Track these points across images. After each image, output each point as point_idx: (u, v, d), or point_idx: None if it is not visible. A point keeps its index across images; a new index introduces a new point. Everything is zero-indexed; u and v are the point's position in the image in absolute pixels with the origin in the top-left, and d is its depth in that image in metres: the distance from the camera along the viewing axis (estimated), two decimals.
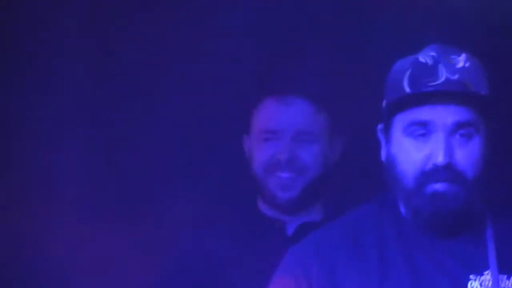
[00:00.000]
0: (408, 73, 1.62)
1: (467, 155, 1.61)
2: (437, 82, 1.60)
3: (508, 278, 1.65)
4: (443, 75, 1.60)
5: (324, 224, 1.85)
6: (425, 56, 1.64)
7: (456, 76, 1.60)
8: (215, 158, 2.46)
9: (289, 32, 2.44)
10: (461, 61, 1.63)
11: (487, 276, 1.64)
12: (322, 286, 1.66)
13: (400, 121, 1.62)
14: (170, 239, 2.22)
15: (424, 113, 1.60)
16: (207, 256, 2.08)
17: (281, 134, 2.08)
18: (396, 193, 1.66)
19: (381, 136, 1.71)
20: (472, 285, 1.64)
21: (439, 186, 1.59)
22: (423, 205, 1.61)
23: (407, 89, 1.60)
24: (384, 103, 1.69)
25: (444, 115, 1.60)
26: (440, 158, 1.57)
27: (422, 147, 1.60)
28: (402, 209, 1.67)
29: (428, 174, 1.59)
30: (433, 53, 1.64)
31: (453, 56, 1.64)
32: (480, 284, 1.64)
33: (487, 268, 1.65)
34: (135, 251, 2.34)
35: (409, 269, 1.65)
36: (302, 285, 1.66)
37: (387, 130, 1.67)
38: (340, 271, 1.66)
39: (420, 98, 1.59)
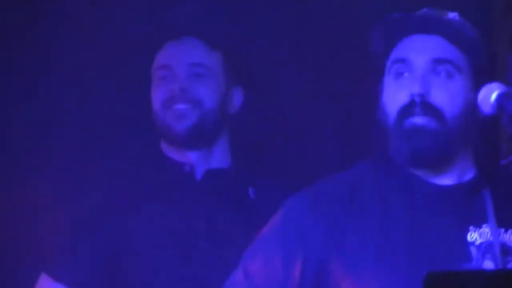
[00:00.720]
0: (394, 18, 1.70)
1: (445, 92, 1.62)
2: (417, 15, 1.66)
3: (506, 232, 1.67)
4: (424, 10, 1.67)
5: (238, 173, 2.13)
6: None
7: (438, 12, 1.66)
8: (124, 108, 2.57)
9: None
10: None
11: (485, 229, 1.66)
12: (319, 244, 1.68)
13: (387, 67, 1.69)
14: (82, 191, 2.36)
15: (403, 50, 1.66)
16: (119, 209, 2.15)
17: (175, 68, 2.17)
18: (387, 142, 1.69)
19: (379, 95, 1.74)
20: (472, 235, 1.67)
21: (416, 119, 1.62)
22: (403, 141, 1.63)
23: (393, 30, 1.69)
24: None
25: (422, 52, 1.65)
26: (415, 89, 1.59)
27: (402, 84, 1.64)
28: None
29: (406, 108, 1.62)
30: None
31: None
32: (480, 235, 1.67)
33: (485, 221, 1.67)
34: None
35: (409, 222, 1.68)
36: (295, 252, 1.69)
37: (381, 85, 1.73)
38: (339, 227, 1.68)
39: (400, 32, 1.66)
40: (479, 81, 1.68)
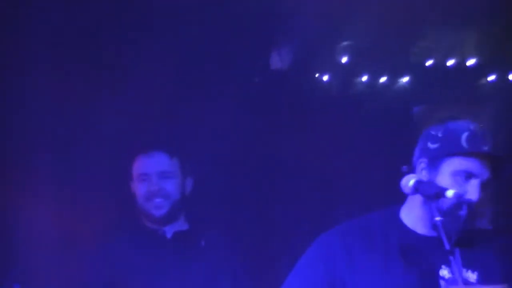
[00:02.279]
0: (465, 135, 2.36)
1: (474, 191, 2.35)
2: (485, 148, 2.33)
3: (467, 271, 2.38)
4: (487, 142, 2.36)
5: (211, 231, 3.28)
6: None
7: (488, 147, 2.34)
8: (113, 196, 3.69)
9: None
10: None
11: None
12: (343, 268, 2.40)
13: (450, 165, 2.34)
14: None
15: (471, 165, 2.34)
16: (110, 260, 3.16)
17: (150, 175, 3.25)
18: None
19: (425, 169, 2.39)
20: (443, 272, 2.33)
21: (463, 204, 2.31)
22: (451, 217, 2.32)
23: (465, 145, 2.34)
24: (435, 147, 2.40)
25: (482, 169, 2.34)
26: (474, 197, 2.29)
27: (460, 183, 2.32)
28: (406, 221, 2.43)
29: (456, 195, 2.27)
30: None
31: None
32: (448, 272, 2.34)
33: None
34: None
35: (403, 261, 2.37)
36: (327, 266, 2.41)
37: (434, 166, 2.37)
38: (357, 257, 2.37)
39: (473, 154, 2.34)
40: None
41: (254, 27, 3.87)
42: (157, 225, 3.29)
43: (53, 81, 3.65)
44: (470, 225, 2.49)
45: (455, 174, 2.39)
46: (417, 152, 2.52)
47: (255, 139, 4.02)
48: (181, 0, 3.67)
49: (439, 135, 2.47)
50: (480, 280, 2.51)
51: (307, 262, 2.57)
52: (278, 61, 3.75)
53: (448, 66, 4.57)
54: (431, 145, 2.45)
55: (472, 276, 2.53)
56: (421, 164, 2.44)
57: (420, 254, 2.46)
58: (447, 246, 2.29)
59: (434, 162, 2.44)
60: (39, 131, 3.73)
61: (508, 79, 4.66)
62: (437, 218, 2.33)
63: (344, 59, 4.42)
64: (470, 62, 4.65)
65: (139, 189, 3.25)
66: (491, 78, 4.69)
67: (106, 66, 3.88)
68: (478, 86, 4.46)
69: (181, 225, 3.40)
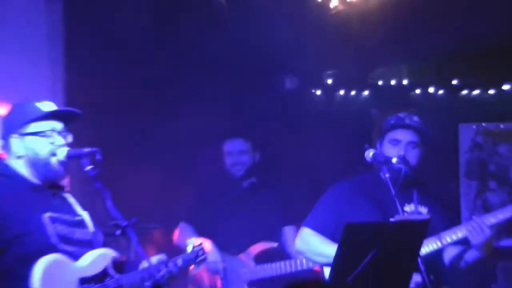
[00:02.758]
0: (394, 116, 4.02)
1: (412, 155, 3.94)
2: (404, 122, 3.97)
3: (421, 206, 3.97)
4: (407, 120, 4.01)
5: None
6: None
7: (414, 121, 4.00)
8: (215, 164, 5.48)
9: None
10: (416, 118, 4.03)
11: (412, 206, 3.99)
12: (346, 208, 3.92)
13: (388, 137, 3.95)
14: None
15: (398, 134, 3.97)
16: None
17: (233, 152, 5.22)
18: (380, 170, 3.83)
19: (377, 143, 4.00)
20: (406, 208, 3.91)
21: (401, 166, 3.89)
22: (395, 173, 3.84)
23: (393, 122, 3.98)
24: (379, 130, 3.99)
25: (406, 136, 3.96)
26: (402, 153, 3.91)
27: (396, 149, 3.92)
28: (382, 176, 3.81)
29: (398, 160, 3.90)
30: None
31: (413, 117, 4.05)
32: (410, 208, 3.92)
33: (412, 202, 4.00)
34: None
35: (380, 204, 3.88)
36: (336, 206, 3.96)
37: (381, 141, 3.97)
38: (355, 200, 3.93)
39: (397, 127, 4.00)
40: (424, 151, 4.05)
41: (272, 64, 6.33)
42: (238, 180, 5.40)
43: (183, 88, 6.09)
44: (410, 176, 4.06)
45: (390, 142, 4.09)
46: (374, 136, 4.38)
47: (287, 129, 6.39)
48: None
49: (384, 123, 4.24)
50: (429, 212, 4.19)
51: (322, 203, 4.25)
52: (288, 82, 6.52)
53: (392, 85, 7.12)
54: (382, 129, 4.22)
55: (423, 210, 4.19)
56: (377, 141, 4.20)
57: (390, 197, 3.98)
58: (393, 192, 3.85)
59: (381, 138, 4.19)
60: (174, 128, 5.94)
61: (429, 92, 7.09)
62: (386, 175, 3.94)
63: (329, 81, 7.04)
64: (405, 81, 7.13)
65: (228, 160, 5.40)
66: (418, 91, 7.13)
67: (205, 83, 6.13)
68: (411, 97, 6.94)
69: (252, 180, 5.48)
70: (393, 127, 4.30)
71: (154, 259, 3.83)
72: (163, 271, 3.79)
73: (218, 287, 5.45)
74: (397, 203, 3.99)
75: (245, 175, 5.44)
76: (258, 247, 5.34)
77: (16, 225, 3.76)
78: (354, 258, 3.82)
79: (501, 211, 4.27)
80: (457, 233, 4.17)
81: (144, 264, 3.80)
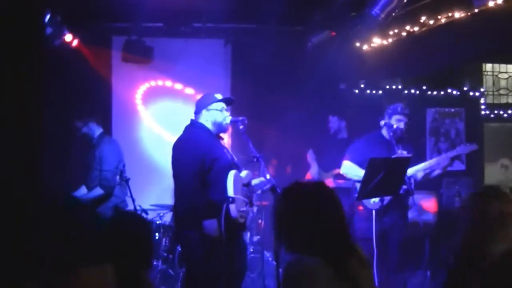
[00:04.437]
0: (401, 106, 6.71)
1: (403, 126, 6.75)
2: (404, 112, 6.71)
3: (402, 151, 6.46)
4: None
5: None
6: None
7: (406, 110, 6.72)
8: None
9: None
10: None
11: (400, 150, 6.47)
12: (366, 152, 6.44)
13: (395, 117, 6.65)
14: None
15: (399, 117, 6.70)
16: None
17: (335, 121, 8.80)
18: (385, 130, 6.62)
19: (387, 118, 6.63)
20: (398, 151, 6.41)
21: (399, 132, 6.65)
22: (394, 133, 6.68)
23: (399, 109, 6.69)
24: (390, 112, 6.67)
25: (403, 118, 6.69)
26: (401, 126, 6.71)
27: (400, 124, 6.71)
28: (386, 134, 6.57)
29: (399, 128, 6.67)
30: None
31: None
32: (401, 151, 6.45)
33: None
34: None
35: (385, 148, 6.57)
36: (361, 151, 6.62)
37: (390, 117, 6.62)
38: (372, 148, 6.55)
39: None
40: None
41: None
42: (333, 136, 8.39)
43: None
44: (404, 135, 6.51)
45: (396, 119, 6.49)
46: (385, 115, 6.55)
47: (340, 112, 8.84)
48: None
49: (391, 108, 6.58)
50: (407, 153, 6.32)
51: (355, 147, 6.61)
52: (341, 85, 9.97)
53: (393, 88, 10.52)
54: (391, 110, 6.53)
55: (405, 152, 6.36)
56: (386, 116, 6.48)
57: (390, 145, 6.39)
58: (393, 142, 6.38)
59: (389, 116, 6.49)
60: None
61: (411, 92, 10.29)
62: (391, 134, 6.37)
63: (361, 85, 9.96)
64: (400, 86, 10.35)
65: (332, 126, 8.71)
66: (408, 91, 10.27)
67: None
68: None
69: (342, 135, 8.26)
70: (398, 112, 6.63)
71: (268, 176, 5.46)
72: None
73: None
74: (395, 148, 6.40)
75: (334, 134, 8.55)
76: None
77: (215, 152, 5.46)
78: (372, 176, 5.77)
79: (452, 151, 6.60)
80: (432, 161, 6.65)
81: (266, 178, 5.48)
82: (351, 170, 6.64)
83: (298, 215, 2.90)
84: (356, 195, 6.10)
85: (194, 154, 5.28)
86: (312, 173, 8.62)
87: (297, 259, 2.85)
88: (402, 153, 6.48)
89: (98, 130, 7.22)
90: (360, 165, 6.45)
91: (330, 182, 8.19)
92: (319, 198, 2.92)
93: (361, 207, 6.51)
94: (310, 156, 8.70)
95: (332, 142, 8.69)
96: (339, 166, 7.42)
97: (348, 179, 6.82)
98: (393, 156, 6.30)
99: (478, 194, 3.48)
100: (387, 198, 6.24)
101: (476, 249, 3.23)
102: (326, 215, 2.88)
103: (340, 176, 7.77)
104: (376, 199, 6.25)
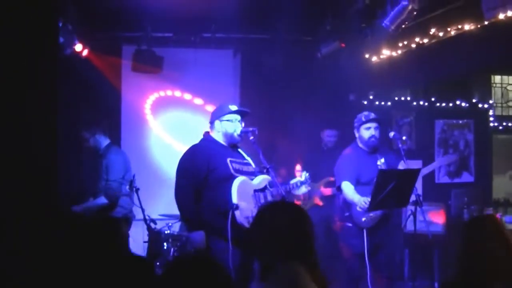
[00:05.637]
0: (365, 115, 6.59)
1: (377, 133, 6.66)
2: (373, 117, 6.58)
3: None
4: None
5: None
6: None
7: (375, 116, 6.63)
8: None
9: None
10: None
11: (382, 159, 6.71)
12: (357, 166, 6.60)
13: (363, 127, 6.64)
14: None
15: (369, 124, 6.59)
16: None
17: (331, 136, 8.95)
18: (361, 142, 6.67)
19: (356, 131, 6.64)
20: (378, 162, 6.57)
21: (374, 139, 6.67)
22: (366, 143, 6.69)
23: (364, 119, 6.58)
24: (357, 125, 6.64)
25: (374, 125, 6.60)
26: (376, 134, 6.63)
27: (369, 132, 6.62)
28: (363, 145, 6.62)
29: (370, 137, 6.64)
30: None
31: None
32: (381, 162, 6.65)
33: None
34: None
35: (365, 160, 6.72)
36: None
37: (358, 130, 6.63)
38: (359, 161, 6.68)
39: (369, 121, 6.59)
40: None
41: None
42: (326, 147, 8.68)
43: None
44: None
45: (364, 128, 6.45)
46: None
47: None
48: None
49: (355, 120, 6.55)
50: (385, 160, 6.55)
51: (344, 165, 6.58)
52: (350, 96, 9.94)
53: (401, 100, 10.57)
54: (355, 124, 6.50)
55: (382, 160, 6.59)
56: (355, 133, 6.48)
57: (368, 156, 6.59)
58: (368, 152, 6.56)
59: (357, 130, 6.54)
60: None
61: (420, 104, 10.32)
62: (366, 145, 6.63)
63: (370, 96, 9.93)
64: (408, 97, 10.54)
65: (325, 138, 8.67)
66: (415, 103, 10.49)
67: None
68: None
69: (331, 147, 8.53)
70: (363, 122, 6.62)
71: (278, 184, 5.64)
72: (289, 187, 5.73)
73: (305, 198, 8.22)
74: (378, 158, 6.56)
75: (333, 146, 8.60)
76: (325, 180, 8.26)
77: (213, 163, 5.50)
78: (382, 188, 5.85)
79: (432, 164, 7.02)
80: (440, 161, 7.60)
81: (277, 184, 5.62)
82: (349, 192, 6.59)
83: (267, 231, 2.99)
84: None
85: (189, 165, 5.46)
86: None
87: None
88: (381, 162, 6.63)
89: (105, 141, 7.28)
90: (355, 181, 6.59)
91: (328, 191, 8.43)
92: (287, 217, 3.01)
93: (349, 224, 6.55)
94: (298, 170, 8.62)
95: (321, 152, 8.89)
96: (328, 175, 7.87)
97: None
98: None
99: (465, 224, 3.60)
100: (377, 216, 6.34)
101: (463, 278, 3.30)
102: (293, 233, 2.97)
103: (330, 184, 8.15)
104: (365, 218, 6.34)
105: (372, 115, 6.69)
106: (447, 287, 3.42)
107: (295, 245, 2.94)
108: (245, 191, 5.40)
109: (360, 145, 6.69)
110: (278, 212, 3.04)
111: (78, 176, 7.84)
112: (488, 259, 3.26)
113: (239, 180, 5.37)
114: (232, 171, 5.46)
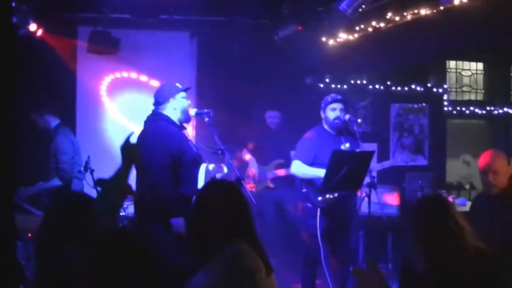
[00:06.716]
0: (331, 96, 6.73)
1: (343, 115, 6.66)
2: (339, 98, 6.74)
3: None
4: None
5: None
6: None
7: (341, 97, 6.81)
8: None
9: None
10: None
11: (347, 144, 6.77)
12: (317, 147, 6.61)
13: (329, 108, 6.69)
14: None
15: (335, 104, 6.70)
16: None
17: (274, 117, 9.15)
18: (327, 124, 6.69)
19: (323, 112, 6.65)
20: (342, 146, 6.65)
21: (338, 121, 6.68)
22: (332, 126, 6.77)
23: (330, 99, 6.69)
24: (323, 106, 6.68)
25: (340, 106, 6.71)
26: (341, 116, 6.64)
27: (335, 113, 6.67)
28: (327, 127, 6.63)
29: (335, 120, 6.67)
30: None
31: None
32: (345, 146, 6.63)
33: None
34: None
35: (330, 141, 6.70)
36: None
37: (324, 111, 6.66)
38: (320, 142, 6.65)
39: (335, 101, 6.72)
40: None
41: None
42: (272, 130, 8.77)
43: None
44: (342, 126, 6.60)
45: (330, 109, 6.50)
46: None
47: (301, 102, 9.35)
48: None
49: (322, 102, 6.58)
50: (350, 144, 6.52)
51: (303, 145, 6.70)
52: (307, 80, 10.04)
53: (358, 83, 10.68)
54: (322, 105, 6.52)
55: (347, 144, 6.57)
56: (321, 114, 6.54)
57: (334, 138, 6.59)
58: (334, 134, 6.60)
59: (324, 111, 6.53)
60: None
61: (376, 87, 10.52)
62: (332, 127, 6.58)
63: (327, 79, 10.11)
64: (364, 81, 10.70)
65: (268, 120, 8.76)
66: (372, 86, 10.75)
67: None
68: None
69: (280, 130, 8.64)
70: (329, 102, 6.70)
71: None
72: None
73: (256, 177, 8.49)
74: (342, 143, 6.58)
75: (278, 128, 8.73)
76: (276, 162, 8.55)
77: (183, 146, 5.52)
78: (336, 170, 5.88)
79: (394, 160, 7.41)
80: (393, 162, 7.31)
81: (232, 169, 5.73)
82: (301, 169, 6.64)
83: (208, 209, 3.09)
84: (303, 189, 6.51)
85: (165, 148, 5.35)
86: (252, 170, 8.83)
87: None
88: (346, 146, 6.61)
89: (54, 121, 7.24)
90: (312, 164, 6.55)
91: (282, 172, 8.51)
92: (220, 197, 3.13)
93: (308, 204, 6.56)
94: (245, 154, 8.95)
95: (269, 135, 8.98)
96: (278, 157, 8.25)
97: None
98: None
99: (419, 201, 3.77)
100: (334, 196, 6.35)
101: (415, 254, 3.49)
102: (232, 210, 3.10)
103: (281, 165, 8.38)
104: (321, 197, 6.35)
105: (339, 97, 6.76)
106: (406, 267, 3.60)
107: (234, 223, 3.04)
108: (208, 177, 5.56)
109: (325, 126, 6.69)
110: (212, 193, 3.14)
111: (33, 157, 7.65)
112: (437, 234, 3.46)
113: (204, 165, 5.53)
114: (197, 153, 5.62)
